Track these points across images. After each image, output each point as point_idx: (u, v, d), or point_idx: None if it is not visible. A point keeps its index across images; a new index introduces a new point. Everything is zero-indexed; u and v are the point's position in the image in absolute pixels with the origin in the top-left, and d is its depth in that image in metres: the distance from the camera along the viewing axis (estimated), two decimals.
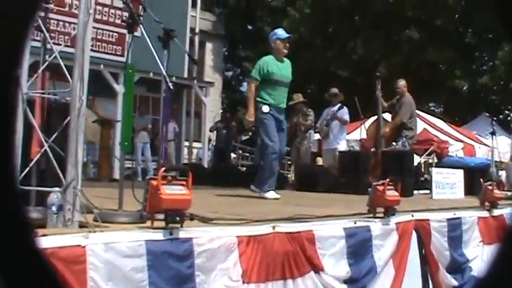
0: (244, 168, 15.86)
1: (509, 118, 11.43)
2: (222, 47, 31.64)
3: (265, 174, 7.30)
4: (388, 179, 4.70)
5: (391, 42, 25.80)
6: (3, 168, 1.65)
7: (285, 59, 7.62)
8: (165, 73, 3.73)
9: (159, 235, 3.13)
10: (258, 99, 7.43)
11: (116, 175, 11.25)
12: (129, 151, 3.73)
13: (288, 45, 7.62)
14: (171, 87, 3.70)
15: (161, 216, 3.18)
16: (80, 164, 3.12)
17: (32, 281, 1.69)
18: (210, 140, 18.47)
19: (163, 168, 3.22)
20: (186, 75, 16.53)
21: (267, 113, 7.33)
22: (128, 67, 3.73)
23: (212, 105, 20.10)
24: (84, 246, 2.80)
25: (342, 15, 26.85)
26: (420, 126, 11.76)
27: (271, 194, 7.16)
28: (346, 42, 26.92)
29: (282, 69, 7.55)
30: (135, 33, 3.80)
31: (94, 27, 13.49)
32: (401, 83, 10.74)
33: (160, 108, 3.96)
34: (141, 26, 3.71)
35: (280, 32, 7.70)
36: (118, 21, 13.58)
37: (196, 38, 18.63)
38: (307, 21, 26.28)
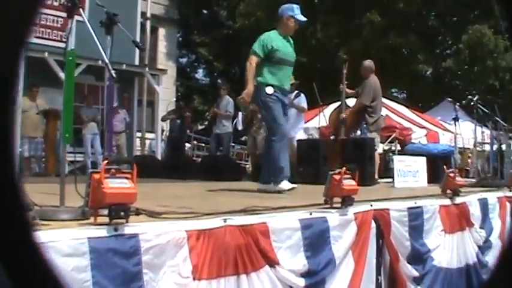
0: (200, 159, 15.69)
1: (472, 103, 11.42)
2: (175, 33, 31.16)
3: (278, 165, 6.70)
4: (344, 168, 4.58)
5: (351, 26, 25.70)
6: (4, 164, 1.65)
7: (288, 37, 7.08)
8: (107, 60, 3.53)
9: (102, 232, 2.94)
10: (260, 79, 6.78)
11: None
12: (71, 143, 3.53)
13: (297, 27, 7.10)
14: (114, 75, 3.51)
15: (105, 211, 2.99)
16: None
17: (32, 276, 1.70)
18: (163, 130, 18.22)
19: (106, 161, 3.05)
20: (137, 63, 16.22)
21: (272, 94, 6.72)
22: (68, 54, 3.52)
23: (165, 94, 19.78)
24: None
25: None
26: (382, 112, 11.73)
27: (286, 185, 6.63)
28: (304, 26, 26.72)
29: (287, 47, 7.00)
30: (80, 18, 3.59)
31: None
32: (365, 64, 10.49)
33: (105, 97, 3.78)
34: (81, 10, 3.51)
35: (297, 12, 7.04)
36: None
37: (148, 23, 18.33)
38: (264, 5, 25.95)
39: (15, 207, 1.69)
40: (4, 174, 1.65)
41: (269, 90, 6.72)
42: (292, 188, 6.61)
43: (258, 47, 6.83)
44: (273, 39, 6.89)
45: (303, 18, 7.14)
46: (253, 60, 6.79)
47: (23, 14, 1.69)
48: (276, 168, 6.74)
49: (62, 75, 12.68)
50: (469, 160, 15.87)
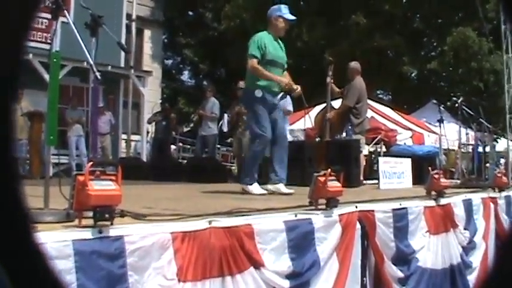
0: (185, 161, 15.67)
1: (456, 105, 11.52)
2: (161, 34, 31.02)
3: (249, 165, 6.79)
4: (329, 169, 4.59)
5: (337, 28, 25.74)
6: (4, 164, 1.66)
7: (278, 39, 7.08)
8: (92, 62, 3.52)
9: (87, 234, 2.92)
10: (249, 82, 6.84)
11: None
12: (56, 145, 3.52)
13: (287, 28, 7.12)
14: (99, 77, 3.50)
15: (90, 214, 2.97)
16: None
17: (32, 276, 1.70)
18: (148, 132, 18.19)
19: (91, 163, 3.04)
20: (122, 65, 16.17)
21: (260, 97, 6.68)
22: (52, 56, 3.51)
23: (151, 96, 19.73)
24: None
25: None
26: (368, 114, 11.79)
27: (256, 188, 6.65)
28: (290, 28, 26.72)
29: (278, 49, 7.00)
30: (64, 20, 3.58)
31: None
32: (351, 66, 10.50)
33: (89, 99, 3.77)
34: (66, 11, 3.50)
35: (285, 11, 7.08)
36: None
37: (133, 25, 18.23)
38: (250, 7, 25.89)
39: (15, 208, 1.69)
40: (4, 174, 1.64)
41: (258, 93, 6.70)
42: (263, 194, 6.56)
43: (254, 49, 6.79)
44: (264, 39, 6.87)
45: (291, 17, 7.14)
46: (254, 62, 6.75)
47: (22, 16, 1.69)
48: (249, 170, 6.78)
49: (46, 76, 12.59)
50: (457, 161, 15.96)
